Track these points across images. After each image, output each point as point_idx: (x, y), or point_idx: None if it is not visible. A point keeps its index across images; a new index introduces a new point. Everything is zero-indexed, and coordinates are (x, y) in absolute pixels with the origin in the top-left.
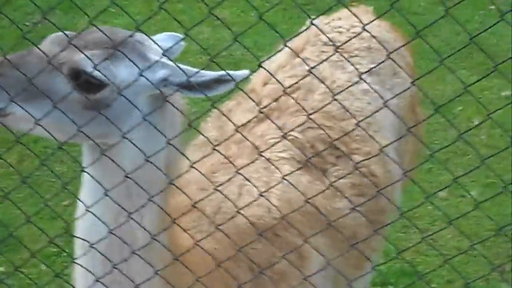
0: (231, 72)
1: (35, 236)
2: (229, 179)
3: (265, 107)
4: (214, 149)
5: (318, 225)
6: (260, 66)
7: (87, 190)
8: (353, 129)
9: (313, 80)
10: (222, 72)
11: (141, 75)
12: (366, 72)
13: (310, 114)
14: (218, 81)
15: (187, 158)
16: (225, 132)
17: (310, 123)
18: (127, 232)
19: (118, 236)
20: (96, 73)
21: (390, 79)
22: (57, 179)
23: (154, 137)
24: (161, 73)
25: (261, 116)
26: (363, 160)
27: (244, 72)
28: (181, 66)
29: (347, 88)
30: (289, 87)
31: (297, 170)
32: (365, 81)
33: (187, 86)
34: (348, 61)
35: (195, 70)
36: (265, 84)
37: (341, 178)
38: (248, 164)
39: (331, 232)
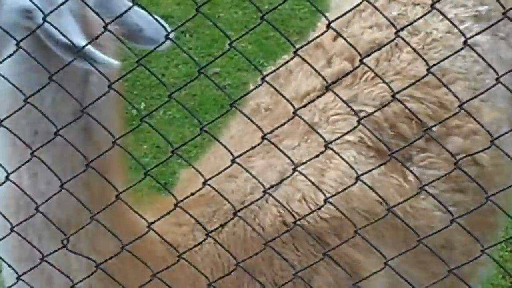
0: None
1: None
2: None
3: (333, 82)
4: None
5: (389, 234)
6: (322, 14)
7: None
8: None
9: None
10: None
11: None
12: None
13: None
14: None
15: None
16: (279, 100)
17: (391, 93)
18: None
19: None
20: None
21: (505, 24)
22: None
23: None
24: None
25: (329, 82)
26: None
27: (112, 62)
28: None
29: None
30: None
31: (366, 158)
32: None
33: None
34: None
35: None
36: (336, 38)
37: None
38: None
39: (409, 241)
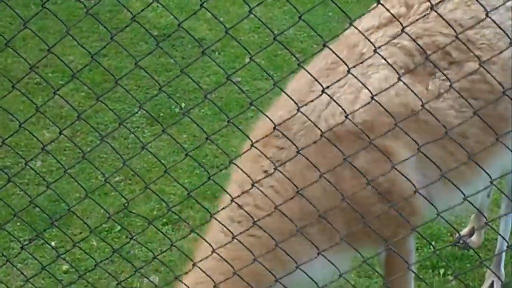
0: None
1: (86, 212)
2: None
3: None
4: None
5: (413, 126)
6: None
7: None
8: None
9: None
10: None
11: None
12: None
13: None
14: None
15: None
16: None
17: (427, 30)
18: None
19: None
20: None
21: None
22: (109, 155)
23: None
24: None
25: (384, 22)
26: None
27: None
28: None
29: None
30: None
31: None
32: None
33: None
34: None
35: None
36: None
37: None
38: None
39: (430, 130)
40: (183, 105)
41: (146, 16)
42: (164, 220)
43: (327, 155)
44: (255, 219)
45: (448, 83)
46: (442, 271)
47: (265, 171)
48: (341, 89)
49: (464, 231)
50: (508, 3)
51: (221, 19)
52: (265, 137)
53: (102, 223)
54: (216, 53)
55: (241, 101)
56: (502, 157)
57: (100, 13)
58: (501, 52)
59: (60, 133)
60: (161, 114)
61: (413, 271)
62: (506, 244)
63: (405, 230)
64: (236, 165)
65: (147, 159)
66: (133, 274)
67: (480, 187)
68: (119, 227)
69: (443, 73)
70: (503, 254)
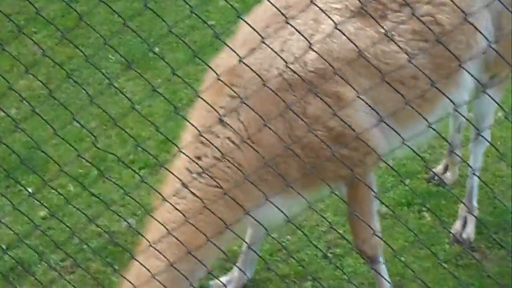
0: None
1: (62, 158)
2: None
3: None
4: None
5: (364, 71)
6: None
7: None
8: None
9: None
10: None
11: None
12: None
13: None
14: None
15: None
16: None
17: None
18: None
19: None
20: None
21: None
22: (84, 101)
23: None
24: None
25: None
26: None
27: None
28: None
29: None
30: None
31: (347, 18)
32: None
33: None
34: None
35: None
36: None
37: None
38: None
39: (379, 74)
40: (156, 49)
41: None
42: (141, 164)
43: (280, 103)
44: (214, 171)
45: (401, 26)
46: (417, 208)
47: (220, 121)
48: (293, 36)
49: (439, 168)
50: None
51: None
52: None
53: (74, 168)
54: None
55: (216, 44)
56: (452, 95)
57: None
58: None
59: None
60: (135, 59)
61: (384, 203)
62: (476, 178)
63: (361, 169)
64: (187, 120)
65: (122, 104)
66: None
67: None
68: (95, 172)
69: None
70: (475, 189)
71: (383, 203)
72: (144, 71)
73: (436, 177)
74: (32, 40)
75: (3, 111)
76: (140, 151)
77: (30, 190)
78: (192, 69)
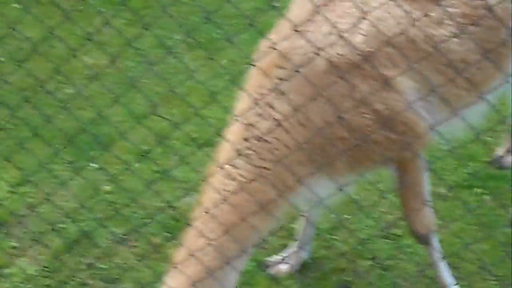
0: None
1: (127, 135)
2: None
3: None
4: None
5: (415, 55)
6: None
7: None
8: None
9: None
10: None
11: None
12: None
13: None
14: None
15: None
16: None
17: None
18: None
19: None
20: None
21: None
22: (150, 80)
23: None
24: None
25: None
26: None
27: None
28: None
29: None
30: None
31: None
32: None
33: None
34: None
35: None
36: None
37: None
38: None
39: (430, 58)
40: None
41: None
42: (202, 141)
43: (328, 86)
44: (262, 153)
45: (452, 10)
46: (478, 190)
47: (268, 103)
48: (343, 20)
49: (501, 151)
50: None
51: None
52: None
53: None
54: None
55: None
56: (498, 81)
57: None
58: None
59: None
60: (200, 40)
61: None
62: None
63: (410, 152)
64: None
65: (187, 83)
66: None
67: (480, 111)
68: (159, 149)
69: None
70: None
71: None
72: (209, 52)
73: (498, 160)
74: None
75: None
76: (202, 129)
77: (95, 165)
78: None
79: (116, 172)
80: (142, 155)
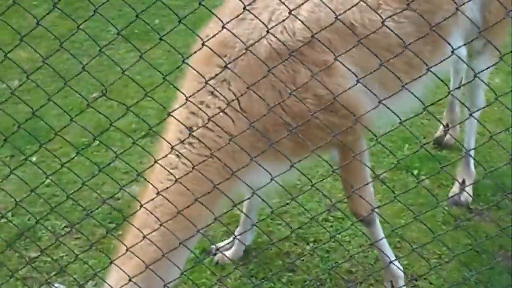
0: None
1: (65, 128)
2: None
3: None
4: None
5: (352, 40)
6: None
7: None
8: None
9: None
10: None
11: None
12: None
13: None
14: None
15: None
16: None
17: None
18: None
19: None
20: None
21: None
22: (85, 72)
23: None
24: None
25: None
26: None
27: None
28: None
29: None
30: None
31: None
32: None
33: None
34: None
35: None
36: None
37: None
38: None
39: (369, 42)
40: (156, 21)
41: None
42: (143, 132)
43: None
44: (205, 141)
45: None
46: (415, 172)
47: (210, 92)
48: (281, 6)
49: (438, 133)
50: None
51: None
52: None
53: (77, 138)
54: None
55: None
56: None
57: None
58: None
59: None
60: (135, 31)
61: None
62: (472, 142)
63: (352, 136)
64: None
65: (124, 75)
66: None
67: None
68: (98, 141)
69: None
70: (472, 152)
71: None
72: (144, 43)
73: (438, 140)
74: (31, 14)
75: (6, 84)
76: (141, 120)
77: (34, 159)
78: (192, 40)
79: (56, 165)
80: (82, 148)
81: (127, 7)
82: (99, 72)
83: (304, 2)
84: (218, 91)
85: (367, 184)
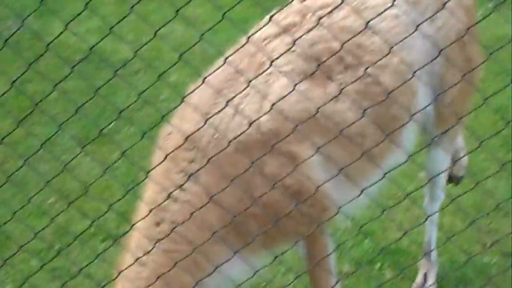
0: None
1: (24, 234)
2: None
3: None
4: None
5: (316, 129)
6: None
7: None
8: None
9: None
10: None
11: None
12: None
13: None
14: None
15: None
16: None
17: (321, 38)
18: None
19: None
20: None
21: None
22: (42, 178)
23: None
24: None
25: (280, 30)
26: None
27: None
28: None
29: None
30: None
31: (298, 81)
32: None
33: None
34: None
35: None
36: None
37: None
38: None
39: (331, 132)
40: (112, 124)
41: (67, 42)
42: (102, 236)
43: (238, 165)
44: (172, 237)
45: (347, 87)
46: (378, 265)
47: (177, 186)
48: (245, 99)
49: None
50: (393, 11)
51: (143, 40)
52: (175, 151)
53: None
54: (140, 74)
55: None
56: (394, 155)
57: (21, 40)
58: (385, 56)
59: None
60: (90, 136)
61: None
62: (433, 234)
63: (319, 226)
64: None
65: (81, 179)
66: None
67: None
68: (57, 246)
69: None
70: (433, 242)
71: None
72: (99, 146)
73: None
74: None
75: None
76: (101, 224)
77: None
78: (147, 142)
79: (14, 272)
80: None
81: (81, 111)
82: (57, 177)
83: (268, 95)
84: (185, 186)
85: (331, 275)
